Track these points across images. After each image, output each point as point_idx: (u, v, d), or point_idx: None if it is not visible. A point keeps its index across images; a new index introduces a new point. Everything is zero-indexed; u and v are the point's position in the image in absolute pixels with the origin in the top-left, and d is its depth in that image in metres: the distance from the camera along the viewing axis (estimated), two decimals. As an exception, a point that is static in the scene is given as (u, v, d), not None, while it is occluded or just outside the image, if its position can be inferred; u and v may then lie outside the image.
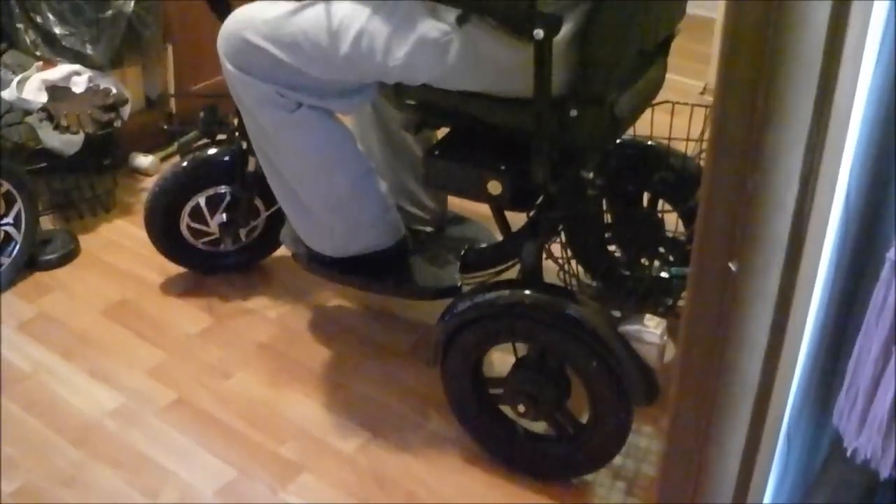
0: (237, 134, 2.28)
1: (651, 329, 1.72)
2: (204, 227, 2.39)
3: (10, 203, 2.42)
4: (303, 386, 2.15)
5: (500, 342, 1.89)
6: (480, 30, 1.66)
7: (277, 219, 2.30)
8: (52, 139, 2.60)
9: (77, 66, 2.70)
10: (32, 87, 2.63)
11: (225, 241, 2.41)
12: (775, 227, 1.01)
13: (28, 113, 2.60)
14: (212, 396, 2.12)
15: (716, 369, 1.12)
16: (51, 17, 2.73)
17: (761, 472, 1.23)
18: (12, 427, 2.02)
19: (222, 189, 2.34)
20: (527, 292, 1.80)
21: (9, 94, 2.61)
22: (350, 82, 1.86)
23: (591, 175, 1.85)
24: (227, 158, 2.31)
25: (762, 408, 1.13)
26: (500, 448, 1.94)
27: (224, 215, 2.35)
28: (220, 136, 2.34)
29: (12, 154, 2.54)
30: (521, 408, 1.85)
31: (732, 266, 1.04)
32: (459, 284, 2.04)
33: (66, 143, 2.61)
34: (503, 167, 1.78)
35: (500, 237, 2.07)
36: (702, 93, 3.33)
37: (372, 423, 2.05)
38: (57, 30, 2.73)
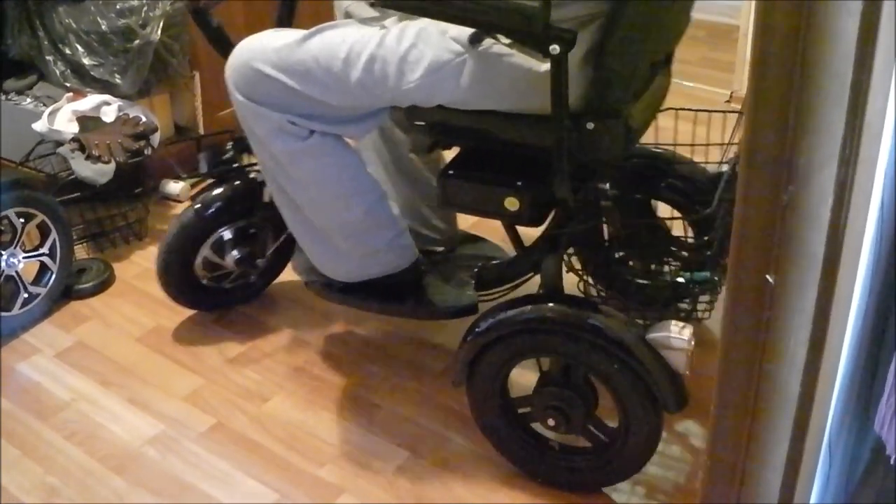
0: (247, 166, 2.28)
1: (678, 335, 1.72)
2: (221, 263, 2.35)
3: (44, 234, 2.45)
4: (339, 408, 2.16)
5: (525, 358, 1.88)
6: (494, 49, 1.65)
7: (286, 245, 2.29)
8: (84, 169, 2.62)
9: (106, 97, 2.74)
10: (63, 119, 2.67)
11: (244, 275, 2.41)
12: (811, 240, 1.01)
13: (60, 144, 2.63)
14: (249, 421, 2.13)
15: (755, 383, 1.12)
16: (79, 48, 2.77)
17: (804, 484, 1.23)
18: (54, 456, 2.04)
19: (238, 225, 2.31)
20: (550, 306, 1.79)
21: (40, 125, 2.65)
22: (363, 107, 1.84)
23: (606, 186, 1.85)
24: (237, 194, 2.28)
25: (803, 420, 1.13)
26: (531, 464, 1.94)
27: (236, 251, 2.32)
28: (227, 175, 2.30)
29: (45, 185, 2.57)
30: (551, 421, 1.85)
31: (770, 279, 1.04)
32: (476, 302, 2.04)
33: (98, 172, 2.64)
34: (519, 183, 1.77)
35: (510, 253, 2.07)
36: (728, 101, 3.32)
37: (410, 444, 2.05)
38: (85, 61, 2.77)
